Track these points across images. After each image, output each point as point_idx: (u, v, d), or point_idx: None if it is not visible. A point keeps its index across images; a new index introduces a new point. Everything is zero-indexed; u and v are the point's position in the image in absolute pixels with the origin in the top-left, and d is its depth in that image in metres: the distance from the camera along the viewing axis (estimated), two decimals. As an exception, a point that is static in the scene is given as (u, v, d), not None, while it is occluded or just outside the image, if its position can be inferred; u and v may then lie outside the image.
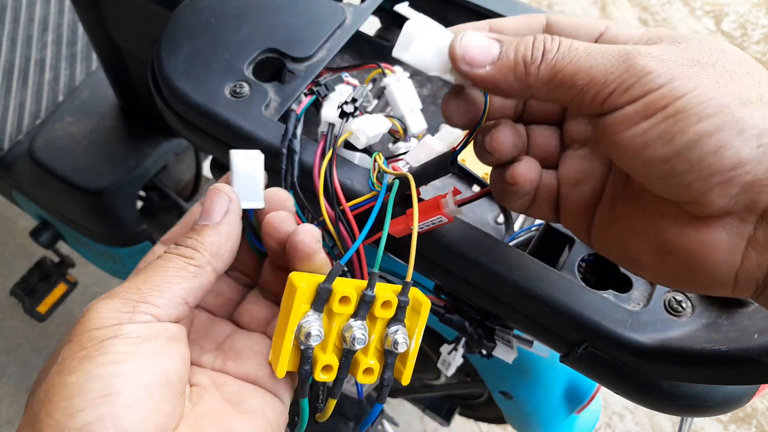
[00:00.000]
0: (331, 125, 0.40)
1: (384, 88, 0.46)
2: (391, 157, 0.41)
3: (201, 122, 0.43)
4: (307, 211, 0.38)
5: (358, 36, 0.51)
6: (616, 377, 0.37)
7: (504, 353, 0.40)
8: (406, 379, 0.33)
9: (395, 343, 0.31)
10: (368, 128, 0.40)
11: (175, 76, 0.44)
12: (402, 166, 0.37)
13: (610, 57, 0.26)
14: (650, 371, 0.35)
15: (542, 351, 0.42)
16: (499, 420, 0.93)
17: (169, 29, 0.47)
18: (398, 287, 0.32)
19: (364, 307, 0.31)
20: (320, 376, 0.31)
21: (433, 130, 0.48)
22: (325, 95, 0.42)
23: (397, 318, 0.32)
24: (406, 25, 0.30)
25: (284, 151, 0.39)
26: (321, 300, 0.30)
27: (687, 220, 0.26)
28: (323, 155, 0.38)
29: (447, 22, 0.52)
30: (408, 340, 0.32)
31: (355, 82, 0.44)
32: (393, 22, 0.56)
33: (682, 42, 0.26)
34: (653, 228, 0.27)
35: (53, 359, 0.28)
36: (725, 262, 0.25)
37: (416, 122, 0.45)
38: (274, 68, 0.47)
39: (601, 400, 1.12)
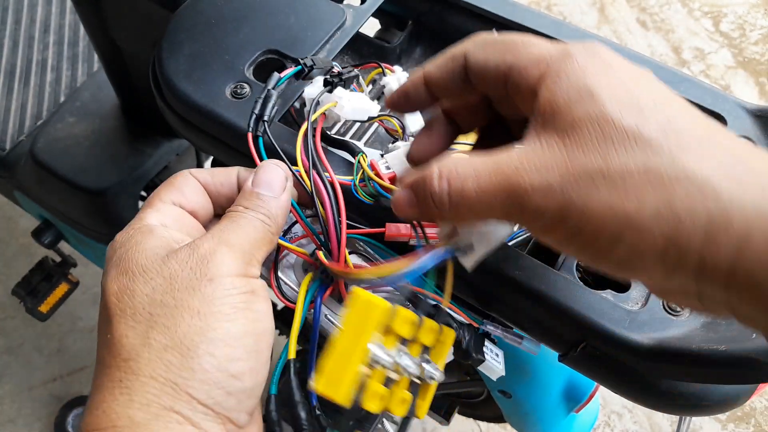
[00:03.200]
0: (315, 100, 0.40)
1: (384, 87, 0.47)
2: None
3: (202, 123, 0.44)
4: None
5: (358, 37, 0.51)
6: (615, 376, 0.37)
7: (490, 369, 0.40)
8: (423, 413, 0.32)
9: (430, 375, 0.30)
10: (353, 99, 0.40)
11: (176, 77, 0.44)
12: (381, 164, 0.37)
13: (497, 196, 0.25)
14: (648, 370, 0.35)
15: (532, 348, 0.41)
16: (498, 419, 0.93)
17: (170, 30, 0.47)
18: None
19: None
20: (368, 405, 0.28)
21: (432, 130, 0.48)
22: (311, 67, 0.43)
23: (428, 347, 0.31)
24: None
25: (261, 96, 0.40)
26: (386, 324, 0.28)
27: None
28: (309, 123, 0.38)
29: (447, 24, 0.53)
30: (440, 371, 0.31)
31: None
32: (393, 23, 0.56)
33: (572, 131, 0.24)
34: None
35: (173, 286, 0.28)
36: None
37: (414, 121, 0.46)
38: (274, 69, 0.47)
39: (600, 399, 1.13)
